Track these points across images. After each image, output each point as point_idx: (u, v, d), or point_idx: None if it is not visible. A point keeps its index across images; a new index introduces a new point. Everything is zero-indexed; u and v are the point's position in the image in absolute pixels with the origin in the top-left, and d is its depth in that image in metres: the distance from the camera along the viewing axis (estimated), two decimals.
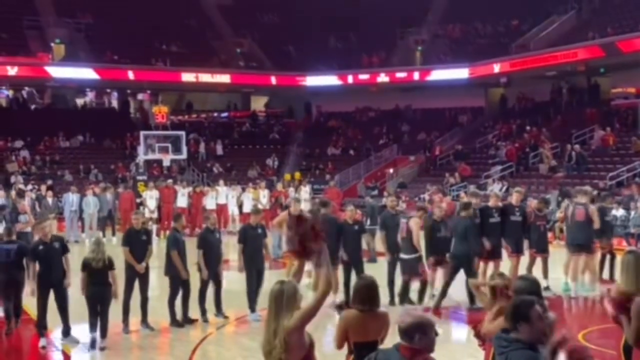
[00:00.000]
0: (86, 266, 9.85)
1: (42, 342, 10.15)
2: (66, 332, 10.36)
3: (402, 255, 11.91)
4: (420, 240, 11.84)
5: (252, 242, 11.50)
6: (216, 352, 9.98)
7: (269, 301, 4.61)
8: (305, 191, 26.96)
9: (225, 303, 11.59)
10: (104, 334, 9.95)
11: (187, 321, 11.20)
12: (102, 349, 9.89)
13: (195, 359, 9.55)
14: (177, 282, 11.02)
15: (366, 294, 5.35)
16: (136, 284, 10.86)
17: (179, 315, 11.13)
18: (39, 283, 10.19)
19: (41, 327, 10.21)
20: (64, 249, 10.40)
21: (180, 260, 10.98)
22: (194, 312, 11.28)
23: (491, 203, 13.06)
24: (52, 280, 10.16)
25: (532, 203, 14.45)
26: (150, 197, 23.21)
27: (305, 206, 21.93)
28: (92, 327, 9.93)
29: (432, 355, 4.27)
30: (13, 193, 22.06)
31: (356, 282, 5.51)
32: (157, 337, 10.78)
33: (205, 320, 11.27)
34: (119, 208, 22.86)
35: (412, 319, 4.27)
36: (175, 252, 10.98)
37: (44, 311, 10.16)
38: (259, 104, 45.75)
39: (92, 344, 9.94)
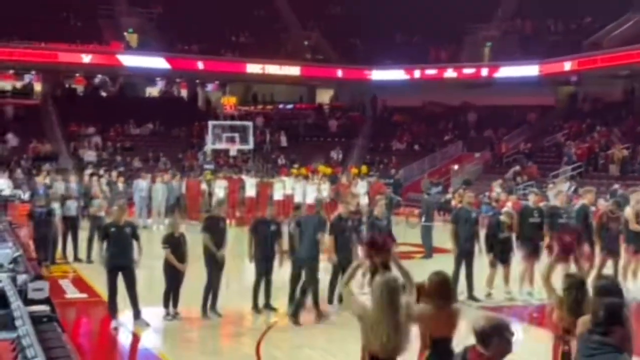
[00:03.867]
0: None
1: (113, 323, 10.39)
2: (136, 315, 10.59)
3: None
4: None
5: (342, 234, 11.54)
6: (283, 339, 10.10)
7: (382, 296, 4.61)
8: (362, 185, 26.86)
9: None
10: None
11: (270, 308, 11.47)
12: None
13: (262, 346, 9.67)
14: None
15: (443, 289, 5.37)
16: None
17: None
18: (108, 265, 10.51)
19: (112, 309, 10.50)
20: (135, 235, 10.74)
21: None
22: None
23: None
24: (121, 263, 10.43)
25: (601, 205, 14.09)
26: (219, 187, 23.50)
27: (363, 200, 21.97)
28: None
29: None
30: (86, 178, 22.69)
31: (430, 277, 5.50)
32: (226, 324, 10.94)
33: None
34: (187, 196, 23.27)
35: (488, 322, 4.22)
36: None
37: (113, 293, 10.46)
38: (324, 96, 45.85)
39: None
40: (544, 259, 12.35)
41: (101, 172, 25.68)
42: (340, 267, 11.42)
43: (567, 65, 34.43)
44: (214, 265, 11.04)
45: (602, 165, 29.75)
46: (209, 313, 11.02)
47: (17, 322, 7.01)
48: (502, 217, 12.53)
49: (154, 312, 10.86)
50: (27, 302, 8.46)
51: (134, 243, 10.68)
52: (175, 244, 10.78)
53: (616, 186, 24.02)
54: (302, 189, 24.88)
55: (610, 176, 28.25)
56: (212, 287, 11.00)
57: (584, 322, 5.07)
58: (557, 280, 6.42)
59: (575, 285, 5.84)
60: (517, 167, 31.46)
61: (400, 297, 4.60)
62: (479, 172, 34.83)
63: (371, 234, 11.31)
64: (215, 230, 11.10)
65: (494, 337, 4.15)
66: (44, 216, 14.50)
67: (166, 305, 10.86)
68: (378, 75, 39.60)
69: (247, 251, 11.34)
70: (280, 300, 11.53)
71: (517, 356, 4.24)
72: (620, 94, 35.48)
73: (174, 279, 10.80)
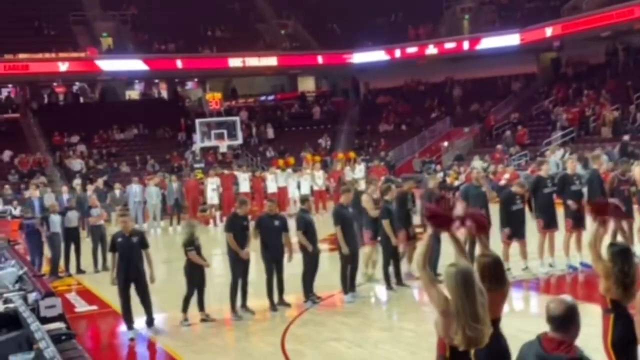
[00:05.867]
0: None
1: (130, 334, 10.18)
2: (150, 323, 10.40)
3: None
4: None
5: (347, 222, 11.37)
6: (306, 334, 9.84)
7: (460, 286, 4.24)
8: (360, 169, 26.79)
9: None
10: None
11: (284, 304, 11.28)
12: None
13: (286, 341, 9.45)
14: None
15: (495, 271, 5.11)
16: None
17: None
18: (118, 276, 10.25)
19: (127, 320, 10.26)
20: (143, 244, 10.41)
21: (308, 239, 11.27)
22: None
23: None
24: (130, 273, 10.20)
25: (603, 167, 13.85)
26: (211, 184, 23.17)
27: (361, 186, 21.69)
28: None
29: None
30: (78, 187, 22.30)
31: (479, 260, 5.23)
32: (244, 324, 10.66)
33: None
34: (187, 196, 22.94)
35: (565, 305, 3.91)
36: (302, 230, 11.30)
37: (127, 304, 10.23)
38: (306, 84, 45.49)
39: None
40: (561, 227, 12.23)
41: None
42: (349, 256, 11.24)
43: (549, 31, 34.15)
44: (239, 264, 10.80)
45: (593, 129, 29.64)
46: (240, 312, 10.87)
47: (41, 344, 6.66)
48: (514, 188, 12.26)
49: (165, 318, 10.65)
50: (41, 320, 8.15)
51: (143, 252, 10.38)
52: (197, 246, 10.63)
53: (626, 137, 24.18)
54: (295, 181, 24.58)
55: (603, 139, 28.16)
56: (237, 286, 10.81)
57: None
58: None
59: (619, 254, 5.58)
60: (508, 132, 31.44)
61: (476, 285, 4.27)
62: (469, 147, 34.65)
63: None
64: (238, 229, 10.86)
65: (574, 319, 3.87)
66: (33, 227, 14.79)
67: (185, 310, 10.59)
68: (359, 58, 39.26)
69: (260, 249, 11.15)
70: (293, 295, 11.39)
71: None
72: (602, 55, 35.30)
73: (197, 282, 10.57)
